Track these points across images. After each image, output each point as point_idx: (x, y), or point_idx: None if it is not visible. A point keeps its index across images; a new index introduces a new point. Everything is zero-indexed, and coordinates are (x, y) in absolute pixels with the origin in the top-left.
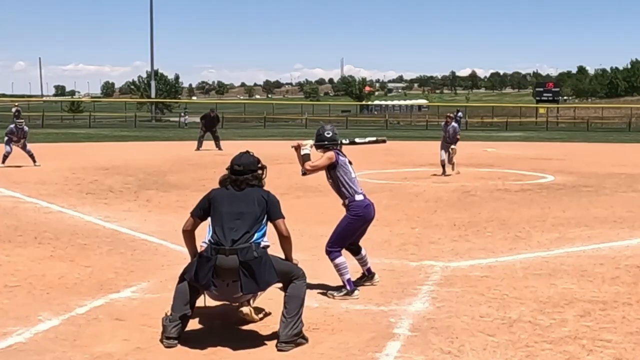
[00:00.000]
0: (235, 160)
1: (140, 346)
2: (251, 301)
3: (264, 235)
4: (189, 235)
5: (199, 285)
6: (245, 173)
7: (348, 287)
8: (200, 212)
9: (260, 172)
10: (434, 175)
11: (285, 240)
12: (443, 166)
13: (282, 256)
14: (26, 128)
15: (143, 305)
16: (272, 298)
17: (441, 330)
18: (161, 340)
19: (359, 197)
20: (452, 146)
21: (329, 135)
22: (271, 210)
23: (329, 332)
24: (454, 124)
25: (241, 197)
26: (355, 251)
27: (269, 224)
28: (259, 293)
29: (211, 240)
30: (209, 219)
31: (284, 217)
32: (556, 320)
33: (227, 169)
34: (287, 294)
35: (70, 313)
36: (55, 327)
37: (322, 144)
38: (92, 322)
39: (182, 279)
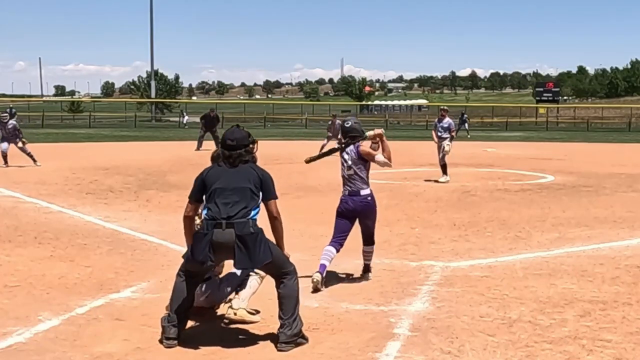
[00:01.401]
0: (228, 135)
1: (140, 346)
2: (241, 303)
3: (257, 213)
4: (190, 222)
5: (196, 261)
6: (238, 148)
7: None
8: (199, 195)
9: (252, 146)
10: (427, 180)
11: (276, 222)
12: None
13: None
14: (11, 124)
15: (143, 305)
16: (271, 298)
17: (441, 330)
18: (161, 341)
19: (344, 193)
20: (447, 143)
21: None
22: (265, 189)
23: (329, 332)
24: (448, 118)
25: (235, 174)
26: (365, 242)
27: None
28: (238, 297)
29: (207, 217)
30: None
31: (277, 198)
32: (556, 320)
33: (218, 145)
34: (281, 294)
35: (70, 313)
36: (55, 327)
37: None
38: (92, 322)
39: (178, 277)
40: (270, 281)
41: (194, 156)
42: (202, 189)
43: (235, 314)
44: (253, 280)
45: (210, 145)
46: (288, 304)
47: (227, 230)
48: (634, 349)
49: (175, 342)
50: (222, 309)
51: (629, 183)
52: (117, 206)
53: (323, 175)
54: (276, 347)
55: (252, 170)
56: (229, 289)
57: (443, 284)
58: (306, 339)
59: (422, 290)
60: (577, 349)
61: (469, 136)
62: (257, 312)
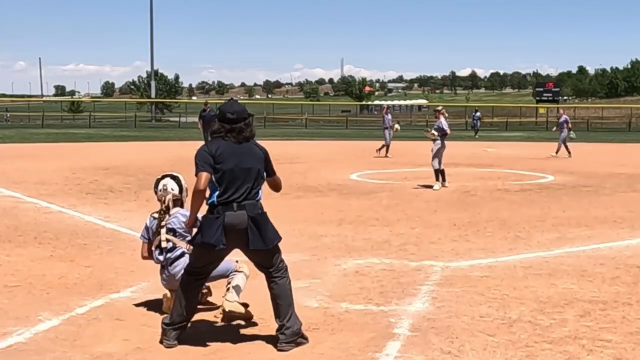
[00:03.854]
0: (226, 108)
1: (140, 346)
2: (235, 297)
3: (262, 193)
4: (203, 196)
5: (209, 245)
6: (239, 121)
7: None
8: (209, 167)
9: (250, 118)
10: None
11: (279, 183)
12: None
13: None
14: None
15: (143, 305)
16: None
17: (441, 330)
18: (161, 341)
19: None
20: (436, 144)
21: None
22: (268, 166)
23: (329, 332)
24: (440, 120)
25: (244, 152)
26: None
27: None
28: (231, 292)
29: (215, 200)
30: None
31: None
32: (556, 320)
33: (216, 119)
34: (274, 295)
35: (70, 313)
36: (55, 327)
37: None
38: (92, 322)
39: (184, 279)
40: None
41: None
42: (211, 163)
43: (227, 310)
44: (239, 277)
45: None
46: (284, 305)
47: (239, 212)
48: (634, 349)
49: (176, 343)
50: (210, 309)
51: (629, 183)
52: (117, 206)
53: (323, 175)
54: (276, 347)
55: (257, 148)
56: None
57: (443, 284)
58: (306, 339)
59: (422, 290)
60: (577, 349)
61: (476, 137)
62: (247, 305)
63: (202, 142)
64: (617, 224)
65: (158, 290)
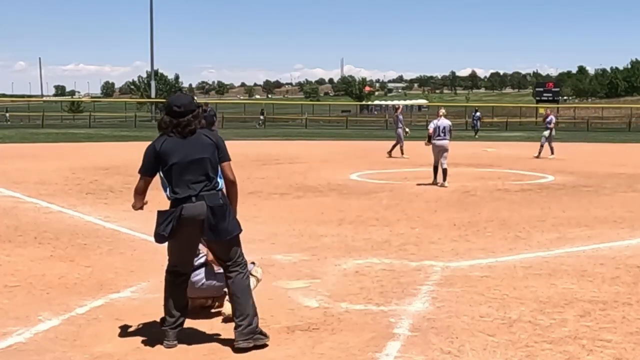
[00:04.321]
0: (173, 101)
1: (140, 346)
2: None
3: (222, 183)
4: (139, 197)
5: (157, 237)
6: (185, 114)
7: None
8: (152, 170)
9: (198, 110)
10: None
11: (232, 186)
12: (436, 172)
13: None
14: None
15: (143, 305)
16: (272, 298)
17: (441, 330)
18: (161, 341)
19: None
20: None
21: None
22: (220, 152)
23: (329, 332)
24: (435, 120)
25: (189, 145)
26: None
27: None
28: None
29: (172, 196)
30: (161, 174)
31: (230, 160)
32: (556, 320)
33: (164, 112)
34: (231, 291)
35: (70, 313)
36: (55, 327)
37: None
38: (92, 322)
39: (166, 278)
40: (265, 282)
41: None
42: (155, 164)
43: (226, 313)
44: (250, 280)
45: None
46: (240, 302)
47: (198, 202)
48: (634, 349)
49: (175, 342)
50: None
51: (629, 183)
52: (117, 206)
53: (323, 175)
54: (232, 345)
55: (205, 137)
56: (223, 282)
57: (443, 284)
58: (265, 336)
59: (422, 290)
60: (577, 349)
61: (476, 136)
62: None
63: None
64: (617, 224)
65: (158, 290)
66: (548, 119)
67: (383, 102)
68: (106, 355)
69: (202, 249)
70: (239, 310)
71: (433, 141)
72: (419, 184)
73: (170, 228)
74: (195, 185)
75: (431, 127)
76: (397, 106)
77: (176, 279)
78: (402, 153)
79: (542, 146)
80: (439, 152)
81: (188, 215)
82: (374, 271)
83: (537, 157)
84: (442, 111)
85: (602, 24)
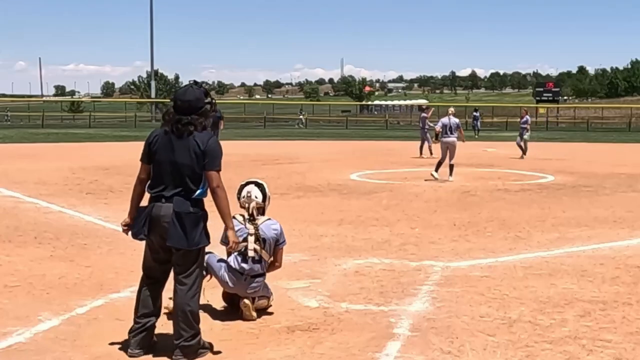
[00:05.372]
0: (180, 95)
1: None
2: (256, 299)
3: (203, 193)
4: (140, 185)
5: (134, 236)
6: (189, 112)
7: None
8: (145, 158)
9: (208, 106)
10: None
11: (215, 192)
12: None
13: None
14: None
15: None
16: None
17: (441, 330)
18: (163, 343)
19: None
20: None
21: None
22: (207, 160)
23: (329, 332)
24: (442, 119)
25: (179, 147)
26: None
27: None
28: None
29: (147, 190)
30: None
31: (218, 170)
32: (556, 320)
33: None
34: (175, 305)
35: (70, 313)
36: (55, 327)
37: None
38: (92, 322)
39: (141, 279)
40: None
41: None
42: (148, 153)
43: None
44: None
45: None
46: (178, 319)
47: (166, 204)
48: (634, 349)
49: (139, 352)
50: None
51: (629, 183)
52: (117, 206)
53: (323, 175)
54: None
55: (196, 143)
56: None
57: (443, 284)
58: (208, 348)
59: (422, 290)
60: (577, 349)
61: (476, 136)
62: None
63: None
64: (617, 224)
65: None
66: (523, 120)
67: (383, 102)
68: (106, 355)
69: (264, 254)
70: (175, 328)
71: (441, 138)
72: (426, 180)
73: (147, 228)
74: (170, 187)
75: (439, 125)
76: (424, 107)
77: (147, 280)
78: (431, 153)
79: (520, 146)
80: (447, 149)
81: (155, 215)
82: (374, 271)
83: (522, 157)
84: (452, 110)
85: (602, 24)
